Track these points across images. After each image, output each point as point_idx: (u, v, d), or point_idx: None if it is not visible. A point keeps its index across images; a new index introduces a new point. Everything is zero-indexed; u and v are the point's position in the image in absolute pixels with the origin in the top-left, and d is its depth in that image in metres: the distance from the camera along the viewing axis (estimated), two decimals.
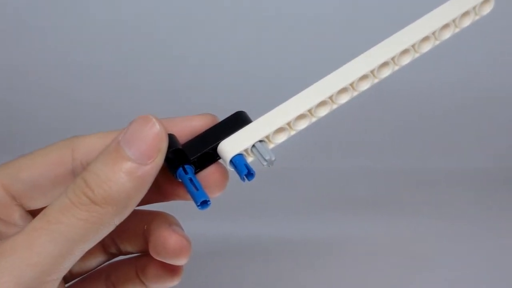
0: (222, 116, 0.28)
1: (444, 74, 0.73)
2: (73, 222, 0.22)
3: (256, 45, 0.71)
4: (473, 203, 0.66)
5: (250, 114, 0.27)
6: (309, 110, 0.26)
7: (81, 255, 0.23)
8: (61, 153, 0.26)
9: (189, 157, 0.26)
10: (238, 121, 0.27)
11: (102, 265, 0.31)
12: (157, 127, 0.24)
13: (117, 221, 0.24)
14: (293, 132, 0.27)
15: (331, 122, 0.71)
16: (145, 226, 0.28)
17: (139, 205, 0.24)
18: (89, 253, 0.25)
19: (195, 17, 0.69)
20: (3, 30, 0.68)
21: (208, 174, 0.27)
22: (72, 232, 0.22)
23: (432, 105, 0.74)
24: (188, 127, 0.27)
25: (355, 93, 0.26)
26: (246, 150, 0.26)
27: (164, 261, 0.27)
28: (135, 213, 0.25)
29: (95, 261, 0.30)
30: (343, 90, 0.26)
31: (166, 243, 0.27)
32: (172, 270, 0.28)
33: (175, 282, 0.29)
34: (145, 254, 0.29)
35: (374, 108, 0.74)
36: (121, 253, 0.30)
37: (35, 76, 0.71)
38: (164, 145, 0.24)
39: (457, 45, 0.72)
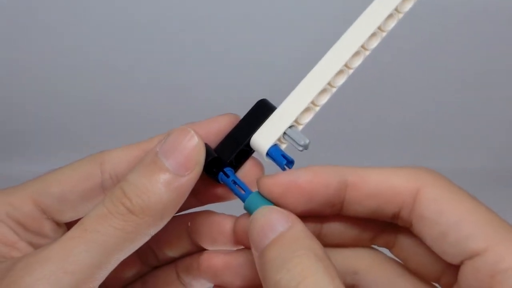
0: (232, 110, 0.28)
1: (444, 74, 0.73)
2: (110, 231, 0.22)
3: (261, 41, 0.71)
4: None
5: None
6: (328, 83, 0.26)
7: (116, 265, 0.23)
8: (90, 168, 0.26)
9: (225, 160, 0.26)
10: (262, 110, 0.26)
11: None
12: (195, 139, 0.24)
13: (153, 231, 0.23)
14: (317, 109, 0.26)
15: (331, 122, 0.71)
16: (189, 223, 0.28)
17: (176, 212, 0.25)
18: (125, 264, 0.25)
19: (195, 16, 0.69)
20: (3, 30, 0.68)
21: (246, 170, 0.26)
22: (108, 241, 0.22)
23: (432, 105, 0.74)
24: (214, 129, 0.26)
25: (367, 53, 0.26)
26: (279, 139, 0.26)
27: (222, 247, 0.27)
28: (173, 217, 0.25)
29: (130, 272, 0.30)
30: (356, 54, 0.26)
31: (222, 227, 0.26)
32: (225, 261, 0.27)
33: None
34: (186, 255, 0.29)
35: (374, 108, 0.74)
36: (159, 262, 0.30)
37: (35, 76, 0.71)
38: (202, 157, 0.24)
39: (457, 45, 0.72)
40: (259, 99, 0.27)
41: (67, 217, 0.27)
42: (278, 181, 0.23)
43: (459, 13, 0.70)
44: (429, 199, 0.21)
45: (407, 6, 0.26)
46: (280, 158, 0.25)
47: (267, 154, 0.26)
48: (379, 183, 0.22)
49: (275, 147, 0.25)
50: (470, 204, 0.21)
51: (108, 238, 0.22)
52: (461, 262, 0.21)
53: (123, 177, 0.25)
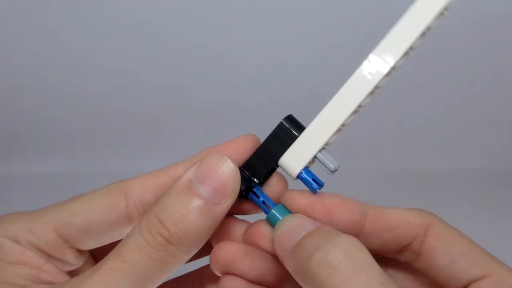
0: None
1: (444, 74, 0.73)
2: (149, 262, 0.22)
3: (263, 42, 0.71)
4: (472, 203, 0.66)
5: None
6: (359, 105, 0.25)
7: None
8: (114, 198, 0.26)
9: (254, 180, 0.26)
10: (290, 128, 0.26)
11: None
12: (231, 165, 0.24)
13: (187, 258, 0.24)
14: (343, 129, 0.26)
15: None
16: None
17: None
18: None
19: (195, 16, 0.69)
20: (3, 30, 0.68)
21: (272, 187, 0.26)
22: (147, 272, 0.22)
23: (432, 105, 0.74)
24: (237, 151, 0.26)
25: (394, 72, 0.25)
26: (309, 162, 0.25)
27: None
28: None
29: None
30: (387, 75, 0.25)
31: (233, 232, 0.26)
32: None
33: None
34: (205, 266, 0.29)
35: (374, 108, 0.74)
36: None
37: (35, 76, 0.71)
38: (238, 184, 0.24)
39: (457, 45, 0.72)
40: (287, 114, 0.26)
41: (89, 246, 0.27)
42: (305, 195, 0.25)
43: (459, 13, 0.70)
44: (440, 233, 0.25)
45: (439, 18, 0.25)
46: (311, 183, 0.25)
47: (298, 177, 0.25)
48: (396, 217, 0.25)
49: (306, 170, 0.25)
50: (468, 239, 0.25)
51: (148, 269, 0.23)
52: (468, 285, 0.24)
53: (149, 206, 0.25)
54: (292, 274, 0.22)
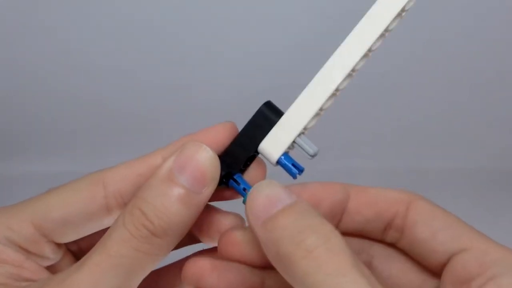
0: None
1: (444, 73, 0.73)
2: (135, 255, 0.23)
3: (260, 42, 0.71)
4: (472, 203, 0.66)
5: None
6: (336, 88, 0.25)
7: (138, 284, 0.24)
8: (92, 189, 0.26)
9: (234, 167, 0.26)
10: (269, 114, 0.26)
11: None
12: (210, 154, 0.24)
13: (172, 248, 0.24)
14: (322, 113, 0.26)
15: (331, 122, 0.71)
16: None
17: None
18: None
19: (195, 16, 0.69)
20: (3, 30, 0.68)
21: (253, 173, 0.27)
22: (133, 264, 0.23)
23: (432, 105, 0.74)
24: (214, 138, 0.26)
25: (370, 55, 0.25)
26: (288, 147, 0.25)
27: (216, 243, 0.27)
28: None
29: None
30: (363, 57, 0.25)
31: (222, 225, 0.27)
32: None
33: None
34: (187, 257, 0.30)
35: (374, 108, 0.74)
36: None
37: (35, 76, 0.71)
38: (217, 173, 0.24)
39: (457, 45, 0.72)
40: (265, 101, 0.26)
41: (69, 238, 0.27)
42: (289, 187, 0.24)
43: (459, 12, 0.70)
44: (422, 207, 0.25)
45: (410, 4, 0.25)
46: (290, 168, 0.25)
47: (278, 162, 0.25)
48: (377, 193, 0.26)
49: (285, 155, 0.25)
50: (451, 214, 0.25)
51: (134, 261, 0.23)
52: (449, 258, 0.24)
53: (128, 195, 0.25)
54: (261, 244, 0.22)
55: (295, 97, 0.26)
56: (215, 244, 0.26)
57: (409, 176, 0.71)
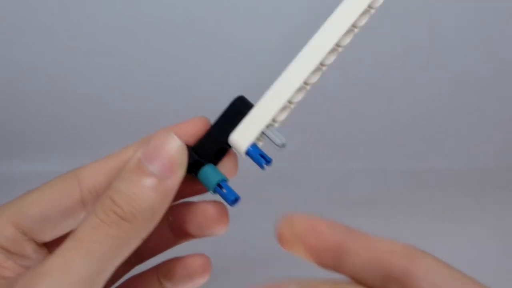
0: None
1: (444, 74, 0.73)
2: (105, 240, 0.23)
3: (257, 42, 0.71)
4: (472, 203, 0.66)
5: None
6: (305, 81, 0.26)
7: (113, 271, 0.24)
8: (68, 185, 0.27)
9: (206, 159, 0.27)
10: (240, 107, 0.27)
11: (121, 282, 0.31)
12: (178, 141, 0.25)
13: (145, 234, 0.24)
14: (293, 106, 0.27)
15: (331, 122, 0.71)
16: (169, 217, 0.29)
17: None
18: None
19: (196, 16, 0.70)
20: (3, 30, 0.68)
21: (225, 165, 0.27)
22: (105, 249, 0.23)
23: (432, 105, 0.74)
24: (188, 130, 0.27)
25: (340, 49, 0.26)
26: (257, 138, 0.26)
27: (205, 233, 0.28)
28: None
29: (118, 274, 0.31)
30: (331, 52, 0.26)
31: (206, 212, 0.28)
32: (201, 265, 0.29)
33: (206, 277, 0.30)
34: (166, 260, 0.30)
35: (374, 108, 0.74)
36: (140, 260, 0.31)
37: (35, 76, 0.71)
38: (185, 159, 0.25)
39: (455, 45, 0.72)
40: (237, 95, 0.27)
41: (48, 236, 0.27)
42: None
43: (458, 12, 0.70)
44: (426, 263, 0.24)
45: (379, 2, 0.26)
46: (258, 158, 0.26)
47: (246, 153, 0.26)
48: (380, 242, 0.24)
49: (253, 146, 0.26)
50: (458, 270, 0.24)
51: (105, 246, 0.23)
52: None
53: (103, 190, 0.26)
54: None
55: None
56: (205, 232, 0.28)
57: (408, 176, 0.71)
